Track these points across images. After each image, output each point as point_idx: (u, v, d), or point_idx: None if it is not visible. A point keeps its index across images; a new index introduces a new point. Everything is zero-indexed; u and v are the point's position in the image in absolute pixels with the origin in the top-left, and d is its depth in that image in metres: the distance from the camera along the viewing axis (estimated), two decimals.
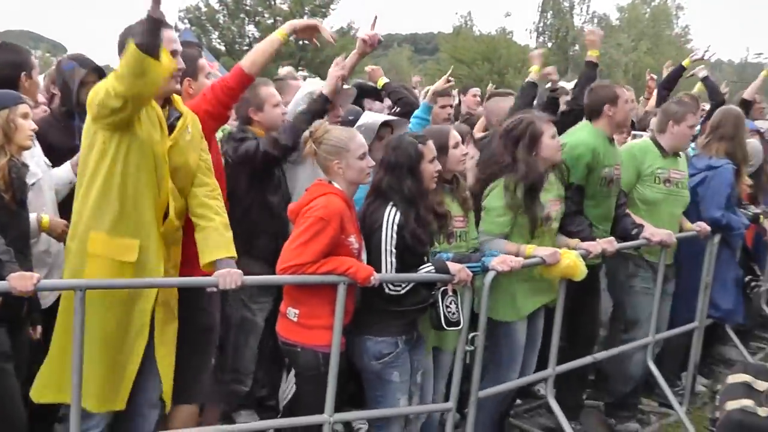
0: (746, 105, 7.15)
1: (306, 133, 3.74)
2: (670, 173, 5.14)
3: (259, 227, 4.24)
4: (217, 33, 38.64)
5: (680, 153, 5.30)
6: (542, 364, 4.64)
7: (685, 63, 7.07)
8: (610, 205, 4.92)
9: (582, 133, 4.86)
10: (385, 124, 4.58)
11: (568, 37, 45.45)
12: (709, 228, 5.22)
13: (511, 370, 4.47)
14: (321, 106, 4.23)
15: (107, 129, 3.22)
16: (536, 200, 4.28)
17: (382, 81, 5.69)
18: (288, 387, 3.78)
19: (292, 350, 3.65)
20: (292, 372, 3.76)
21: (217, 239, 3.40)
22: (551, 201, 4.41)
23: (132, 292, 3.34)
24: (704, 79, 7.07)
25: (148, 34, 2.96)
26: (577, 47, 45.22)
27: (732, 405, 3.03)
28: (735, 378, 3.22)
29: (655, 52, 41.35)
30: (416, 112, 4.95)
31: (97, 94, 3.16)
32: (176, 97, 3.52)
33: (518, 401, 5.34)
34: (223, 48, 37.50)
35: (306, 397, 3.69)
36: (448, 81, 5.24)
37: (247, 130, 4.32)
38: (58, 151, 4.08)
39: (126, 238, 3.29)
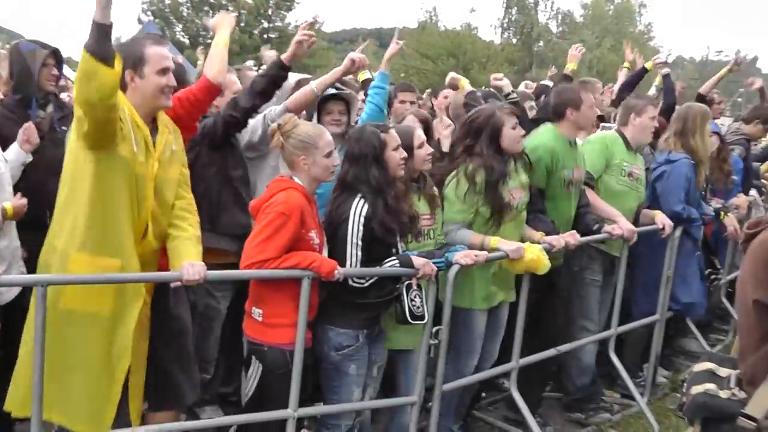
0: (702, 101, 7.26)
1: (274, 125, 3.71)
2: (632, 168, 5.25)
3: (222, 202, 4.22)
4: (180, 26, 38.25)
5: (638, 151, 5.39)
6: (507, 357, 4.68)
7: (647, 65, 7.14)
8: (570, 207, 4.97)
9: (542, 135, 4.91)
10: (337, 98, 4.54)
11: (533, 33, 45.67)
12: (671, 225, 5.29)
13: (470, 358, 4.50)
14: (278, 71, 4.19)
15: (89, 147, 3.16)
16: (498, 191, 4.31)
17: (363, 75, 5.65)
18: (249, 384, 3.76)
19: (259, 349, 3.64)
20: (252, 368, 3.74)
21: (188, 250, 3.38)
22: (514, 189, 4.44)
23: (116, 314, 3.29)
24: (665, 77, 7.15)
25: (95, 40, 2.89)
26: (541, 43, 45.54)
27: (697, 389, 3.04)
28: (700, 366, 3.21)
29: (618, 49, 41.60)
30: (374, 83, 4.87)
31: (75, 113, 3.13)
32: (159, 113, 3.49)
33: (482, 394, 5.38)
34: (186, 41, 37.12)
35: (274, 393, 3.68)
36: (397, 42, 5.01)
37: (209, 114, 4.31)
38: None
39: (107, 258, 3.24)
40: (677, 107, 6.07)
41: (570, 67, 5.63)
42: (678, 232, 5.40)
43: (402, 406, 4.12)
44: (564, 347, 4.90)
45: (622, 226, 4.95)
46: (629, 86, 7.16)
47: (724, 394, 2.96)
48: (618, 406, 5.59)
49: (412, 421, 4.10)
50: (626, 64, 6.97)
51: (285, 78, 4.25)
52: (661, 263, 5.47)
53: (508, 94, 5.47)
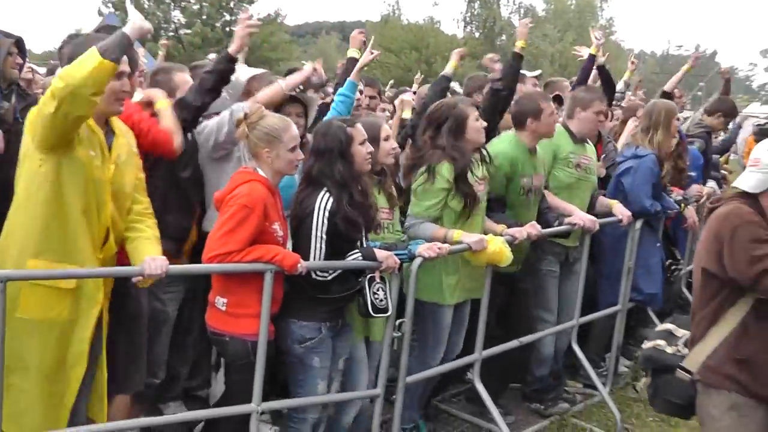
0: (667, 97, 7.34)
1: (240, 115, 3.68)
2: (580, 158, 5.29)
3: (168, 204, 4.11)
4: None
5: (587, 140, 5.44)
6: (470, 349, 4.69)
7: (592, 51, 7.14)
8: (529, 214, 4.96)
9: (503, 143, 4.93)
10: (295, 100, 4.50)
11: (495, 27, 45.97)
12: (630, 215, 5.34)
13: (437, 351, 4.53)
14: (226, 66, 4.07)
15: (46, 150, 3.09)
16: (466, 182, 4.33)
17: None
18: (219, 383, 3.73)
19: (221, 340, 3.63)
20: (222, 368, 3.71)
21: (150, 248, 3.35)
22: (477, 181, 4.46)
23: (71, 320, 3.24)
24: (600, 68, 7.11)
25: (117, 47, 2.99)
26: (504, 37, 45.82)
27: (648, 344, 3.51)
28: (661, 327, 3.64)
29: (580, 43, 42.00)
30: (341, 90, 4.88)
31: (36, 110, 3.08)
32: (112, 118, 3.44)
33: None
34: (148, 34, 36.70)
35: (235, 386, 3.67)
36: (372, 52, 5.08)
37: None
38: None
39: (67, 265, 3.18)
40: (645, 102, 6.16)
41: (519, 44, 5.64)
42: (639, 224, 5.46)
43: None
44: (526, 338, 4.93)
45: (582, 217, 5.00)
46: (584, 78, 7.20)
47: (670, 350, 3.40)
48: (581, 395, 5.66)
49: (376, 413, 4.11)
50: (592, 50, 7.01)
51: (232, 71, 4.13)
52: (624, 255, 5.53)
53: (499, 78, 5.47)
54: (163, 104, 4.03)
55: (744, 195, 3.22)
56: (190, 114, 4.09)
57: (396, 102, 6.25)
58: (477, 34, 46.61)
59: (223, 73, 4.06)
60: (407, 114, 5.84)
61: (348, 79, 4.92)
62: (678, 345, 3.41)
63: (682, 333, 3.46)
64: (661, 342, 3.46)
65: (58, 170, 3.11)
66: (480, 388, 4.64)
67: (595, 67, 6.62)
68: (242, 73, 4.45)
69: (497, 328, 4.99)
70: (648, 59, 51.18)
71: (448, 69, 5.62)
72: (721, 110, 7.41)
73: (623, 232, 5.48)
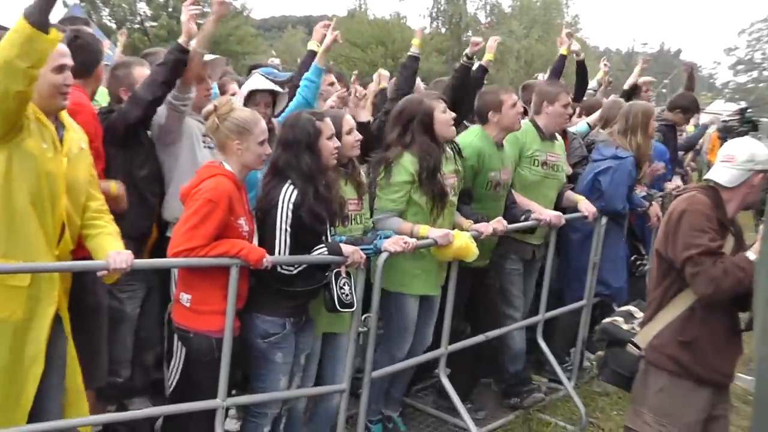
0: (632, 94, 7.42)
1: (210, 107, 3.62)
2: (547, 156, 5.30)
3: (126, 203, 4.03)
4: (107, 10, 37.22)
5: (557, 136, 5.47)
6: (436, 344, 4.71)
7: (563, 51, 7.24)
8: (497, 208, 4.99)
9: (470, 136, 4.94)
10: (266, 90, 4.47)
11: (462, 23, 46.04)
12: (595, 212, 5.39)
13: (403, 342, 4.53)
14: (177, 56, 3.91)
15: None
16: (436, 179, 4.33)
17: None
18: (172, 375, 3.69)
19: (185, 336, 3.59)
20: (175, 358, 3.67)
21: (113, 243, 3.30)
22: (448, 175, 4.47)
23: (26, 320, 3.15)
24: (580, 63, 7.24)
25: (38, 8, 2.82)
26: (470, 33, 45.92)
27: (607, 320, 3.79)
28: (624, 308, 3.88)
29: (546, 40, 42.42)
30: (306, 74, 4.82)
31: None
32: (61, 113, 3.35)
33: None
34: (114, 26, 36.16)
35: (200, 382, 3.63)
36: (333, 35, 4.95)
37: (115, 108, 4.12)
38: None
39: (16, 261, 3.08)
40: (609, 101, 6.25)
41: (487, 57, 5.71)
42: (604, 220, 5.51)
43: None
44: (492, 333, 4.95)
45: (546, 214, 5.04)
46: (555, 76, 7.27)
47: (626, 326, 3.68)
48: (546, 390, 5.69)
49: (341, 409, 4.11)
50: (563, 51, 7.10)
51: (185, 62, 3.96)
52: (590, 249, 5.58)
53: (471, 56, 5.62)
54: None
55: (707, 187, 3.46)
56: (143, 109, 3.95)
57: (374, 75, 6.32)
58: (443, 30, 46.66)
59: (174, 64, 3.90)
60: (384, 84, 5.80)
61: (313, 63, 4.86)
62: (634, 324, 3.67)
63: (641, 315, 3.70)
64: (620, 319, 3.73)
65: (8, 163, 3.01)
66: (446, 382, 4.66)
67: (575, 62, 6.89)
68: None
69: (467, 324, 5.02)
70: (614, 56, 51.70)
71: (414, 49, 5.68)
72: (680, 106, 7.48)
73: (590, 228, 5.53)
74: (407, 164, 4.30)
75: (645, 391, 3.54)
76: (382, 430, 4.82)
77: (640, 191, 6.20)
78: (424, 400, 5.42)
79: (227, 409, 3.82)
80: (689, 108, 7.55)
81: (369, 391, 4.21)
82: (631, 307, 3.82)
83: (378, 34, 41.01)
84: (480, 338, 4.89)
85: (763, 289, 2.34)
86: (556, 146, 5.40)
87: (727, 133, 10.39)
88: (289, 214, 3.64)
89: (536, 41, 42.74)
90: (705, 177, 3.59)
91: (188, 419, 3.67)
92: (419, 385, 5.56)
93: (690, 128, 10.15)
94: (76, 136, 3.38)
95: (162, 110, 4.08)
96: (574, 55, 7.00)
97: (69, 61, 3.24)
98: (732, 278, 3.23)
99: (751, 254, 3.27)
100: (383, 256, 3.97)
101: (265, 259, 3.46)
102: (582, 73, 7.15)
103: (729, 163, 3.44)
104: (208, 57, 4.19)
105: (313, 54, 5.19)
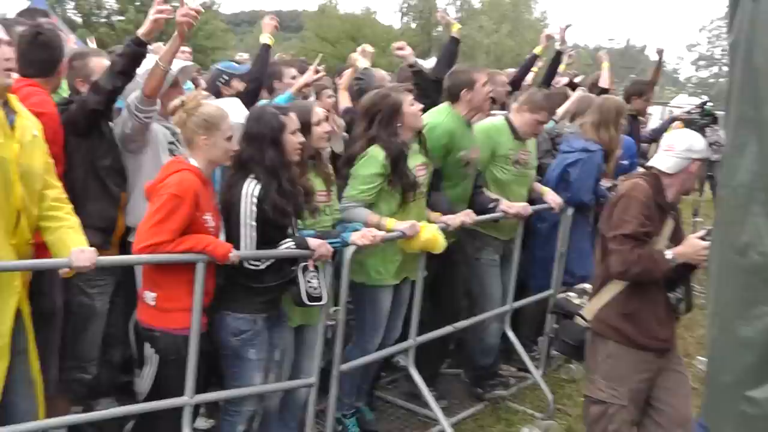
0: (605, 92, 7.50)
1: (177, 101, 3.60)
2: (519, 154, 5.33)
3: (88, 192, 3.98)
4: (73, 3, 36.73)
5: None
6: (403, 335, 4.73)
7: (536, 51, 7.33)
8: (467, 186, 5.05)
9: (440, 115, 4.96)
10: None
11: (432, 18, 46.15)
12: (561, 203, 5.46)
13: (375, 336, 4.54)
14: (134, 49, 3.85)
15: None
16: (404, 170, 4.35)
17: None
18: (144, 381, 3.66)
19: (151, 335, 3.55)
20: (148, 362, 3.65)
21: (73, 237, 3.25)
22: (417, 167, 4.49)
23: None
24: (558, 53, 7.37)
25: None
26: (440, 28, 46.04)
27: (561, 295, 4.09)
28: (580, 286, 4.14)
29: (515, 35, 42.78)
30: (276, 100, 4.86)
31: None
32: (11, 97, 3.28)
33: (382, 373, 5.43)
34: (79, 20, 35.72)
35: (168, 381, 3.60)
36: (317, 71, 5.05)
37: (74, 99, 4.07)
38: None
39: None
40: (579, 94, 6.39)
41: (455, 29, 5.79)
42: (570, 211, 5.57)
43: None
44: (460, 324, 4.99)
45: (514, 205, 5.08)
46: (523, 72, 7.36)
47: (577, 301, 3.97)
48: (514, 379, 5.75)
49: (310, 403, 4.12)
50: (537, 51, 7.22)
51: (143, 54, 3.92)
52: (557, 239, 5.65)
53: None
54: None
55: (650, 174, 3.77)
56: (103, 98, 3.90)
57: (352, 55, 6.29)
58: (414, 25, 46.77)
59: (132, 56, 3.85)
60: (365, 64, 5.81)
61: (287, 92, 4.95)
62: (584, 299, 3.96)
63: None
64: (573, 294, 4.03)
65: None
66: (414, 373, 4.68)
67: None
68: (175, 64, 4.35)
69: (437, 314, 5.05)
70: (581, 52, 52.05)
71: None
72: (634, 92, 7.61)
73: (556, 218, 5.59)
74: (378, 157, 4.32)
75: (595, 360, 3.84)
76: (357, 422, 4.82)
77: (607, 182, 6.27)
78: (394, 392, 5.44)
79: (198, 408, 3.83)
80: (643, 90, 7.66)
81: (338, 385, 4.21)
82: (585, 285, 4.07)
83: (348, 30, 41.00)
84: (448, 329, 4.93)
85: (714, 276, 2.43)
86: (527, 144, 5.43)
87: (689, 125, 10.52)
88: (253, 208, 3.63)
89: (506, 37, 42.96)
90: (648, 164, 3.88)
91: (159, 421, 3.64)
92: (388, 377, 5.58)
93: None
94: (28, 123, 3.30)
95: (125, 118, 4.04)
96: (557, 45, 7.14)
97: (3, 35, 3.16)
98: (642, 267, 3.58)
99: (669, 252, 3.61)
100: (351, 249, 3.99)
101: (231, 254, 3.46)
102: (556, 65, 7.26)
103: (670, 152, 3.75)
104: (178, 64, 4.19)
105: (266, 47, 5.16)
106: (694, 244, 3.62)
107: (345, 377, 4.29)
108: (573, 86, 7.57)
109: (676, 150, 3.74)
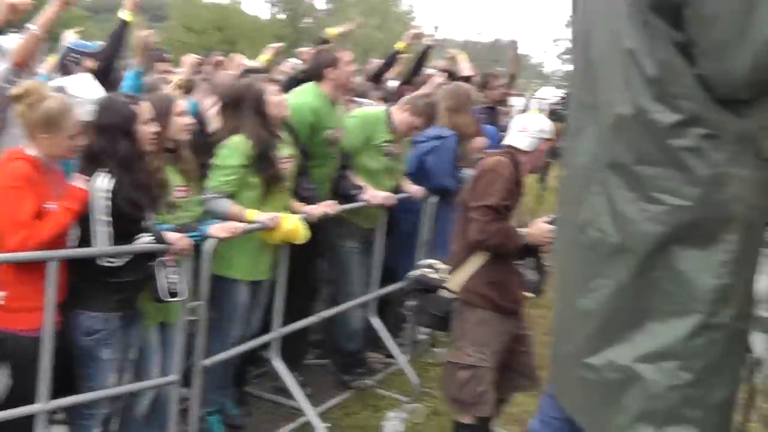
0: (466, 81, 7.69)
1: (20, 90, 3.40)
2: (392, 147, 5.42)
3: None
4: None
5: None
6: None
7: (398, 46, 7.48)
8: (333, 165, 5.10)
9: (305, 95, 4.99)
10: None
11: (300, 9, 46.03)
12: (422, 190, 5.57)
13: (235, 329, 4.48)
14: None
15: None
16: (270, 161, 4.32)
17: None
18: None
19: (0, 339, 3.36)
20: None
21: None
22: (283, 160, 4.47)
23: None
24: (427, 49, 7.54)
25: None
26: (309, 20, 45.99)
27: (416, 272, 4.23)
28: (423, 262, 4.36)
29: (384, 28, 43.17)
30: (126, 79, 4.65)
31: None
32: None
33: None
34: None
35: (22, 388, 3.40)
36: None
37: None
38: None
39: None
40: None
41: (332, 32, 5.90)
42: (434, 198, 5.69)
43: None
44: (325, 313, 5.01)
45: (378, 194, 5.15)
46: (387, 64, 7.47)
47: (435, 275, 4.14)
48: (381, 365, 5.83)
49: (173, 401, 4.03)
50: (398, 46, 7.36)
51: None
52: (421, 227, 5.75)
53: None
54: None
55: (508, 152, 4.06)
56: None
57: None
58: (283, 17, 46.44)
59: None
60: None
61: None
62: (440, 274, 4.13)
63: (443, 266, 4.17)
64: (428, 270, 4.19)
65: None
66: (279, 366, 4.66)
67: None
68: (12, 40, 4.12)
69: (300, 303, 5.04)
70: (449, 45, 53.20)
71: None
72: (481, 84, 7.86)
73: (420, 207, 5.70)
74: (241, 147, 4.26)
75: (464, 327, 4.03)
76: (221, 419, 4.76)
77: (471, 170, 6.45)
78: (262, 386, 5.39)
79: (54, 415, 3.66)
80: (488, 80, 7.99)
81: (201, 381, 4.13)
82: (430, 260, 4.29)
83: (215, 19, 40.20)
84: (313, 319, 4.94)
85: (559, 253, 2.56)
86: (401, 141, 5.52)
87: (553, 116, 10.95)
88: (107, 203, 3.50)
89: (374, 29, 43.30)
90: (504, 143, 4.17)
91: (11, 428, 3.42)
92: (255, 372, 5.53)
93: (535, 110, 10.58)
94: None
95: None
96: (424, 40, 7.32)
97: None
98: (497, 239, 3.87)
99: (523, 230, 3.98)
100: (210, 242, 3.92)
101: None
102: (422, 61, 7.42)
103: (525, 132, 4.08)
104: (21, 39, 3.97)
105: (123, 24, 4.96)
106: (541, 227, 3.95)
107: (208, 373, 4.22)
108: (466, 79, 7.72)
109: (530, 131, 4.08)
